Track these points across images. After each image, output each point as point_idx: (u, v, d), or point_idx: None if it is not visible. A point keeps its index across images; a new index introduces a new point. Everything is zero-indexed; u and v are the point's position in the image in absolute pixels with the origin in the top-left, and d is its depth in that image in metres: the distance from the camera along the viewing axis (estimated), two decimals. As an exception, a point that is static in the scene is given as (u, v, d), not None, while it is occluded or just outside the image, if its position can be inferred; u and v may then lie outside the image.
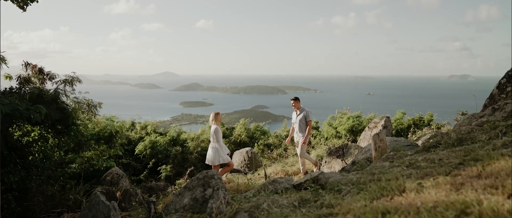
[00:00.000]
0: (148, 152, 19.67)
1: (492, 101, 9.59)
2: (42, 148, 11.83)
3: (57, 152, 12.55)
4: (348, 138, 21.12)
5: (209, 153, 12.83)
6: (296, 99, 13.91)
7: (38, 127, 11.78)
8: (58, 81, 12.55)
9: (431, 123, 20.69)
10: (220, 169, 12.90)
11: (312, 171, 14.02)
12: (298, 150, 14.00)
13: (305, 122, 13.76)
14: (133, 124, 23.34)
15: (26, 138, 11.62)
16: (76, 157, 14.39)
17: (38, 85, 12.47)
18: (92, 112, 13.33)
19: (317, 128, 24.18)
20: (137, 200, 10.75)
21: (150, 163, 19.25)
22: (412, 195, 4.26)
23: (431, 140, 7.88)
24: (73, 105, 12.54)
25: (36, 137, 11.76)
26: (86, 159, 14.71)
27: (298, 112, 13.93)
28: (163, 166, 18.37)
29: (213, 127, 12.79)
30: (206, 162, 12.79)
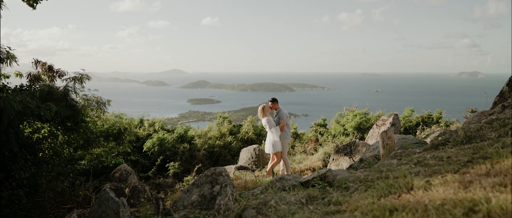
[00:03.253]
0: (156, 149, 19.72)
1: (502, 99, 9.56)
2: (52, 144, 11.91)
3: (67, 149, 12.63)
4: (355, 136, 21.09)
5: (266, 143, 13.65)
6: (274, 101, 13.75)
7: (48, 124, 11.86)
8: (67, 78, 12.62)
9: (440, 120, 20.63)
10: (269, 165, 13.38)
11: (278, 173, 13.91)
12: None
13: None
14: (141, 121, 23.40)
15: (36, 135, 11.70)
16: (85, 154, 14.47)
17: (47, 82, 12.55)
18: (101, 109, 13.41)
19: (324, 125, 24.13)
20: (145, 196, 10.81)
21: (158, 160, 19.30)
22: (420, 193, 4.27)
23: (439, 138, 7.87)
24: (82, 103, 12.61)
25: (46, 134, 11.84)
26: (95, 156, 14.79)
27: (275, 113, 13.77)
28: (171, 163, 18.41)
29: (264, 120, 13.31)
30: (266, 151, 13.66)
